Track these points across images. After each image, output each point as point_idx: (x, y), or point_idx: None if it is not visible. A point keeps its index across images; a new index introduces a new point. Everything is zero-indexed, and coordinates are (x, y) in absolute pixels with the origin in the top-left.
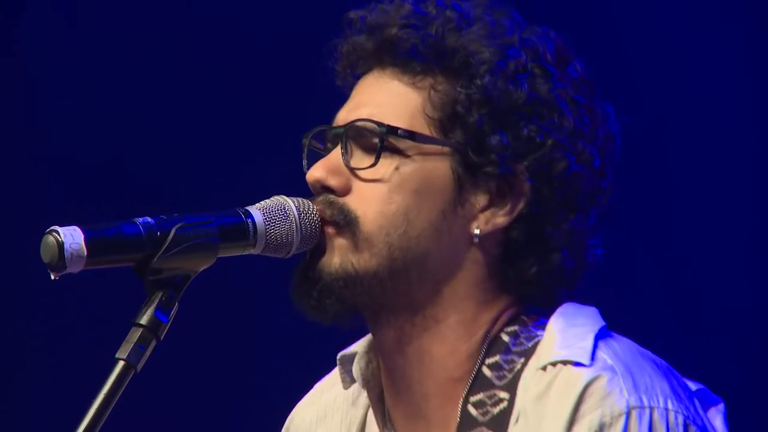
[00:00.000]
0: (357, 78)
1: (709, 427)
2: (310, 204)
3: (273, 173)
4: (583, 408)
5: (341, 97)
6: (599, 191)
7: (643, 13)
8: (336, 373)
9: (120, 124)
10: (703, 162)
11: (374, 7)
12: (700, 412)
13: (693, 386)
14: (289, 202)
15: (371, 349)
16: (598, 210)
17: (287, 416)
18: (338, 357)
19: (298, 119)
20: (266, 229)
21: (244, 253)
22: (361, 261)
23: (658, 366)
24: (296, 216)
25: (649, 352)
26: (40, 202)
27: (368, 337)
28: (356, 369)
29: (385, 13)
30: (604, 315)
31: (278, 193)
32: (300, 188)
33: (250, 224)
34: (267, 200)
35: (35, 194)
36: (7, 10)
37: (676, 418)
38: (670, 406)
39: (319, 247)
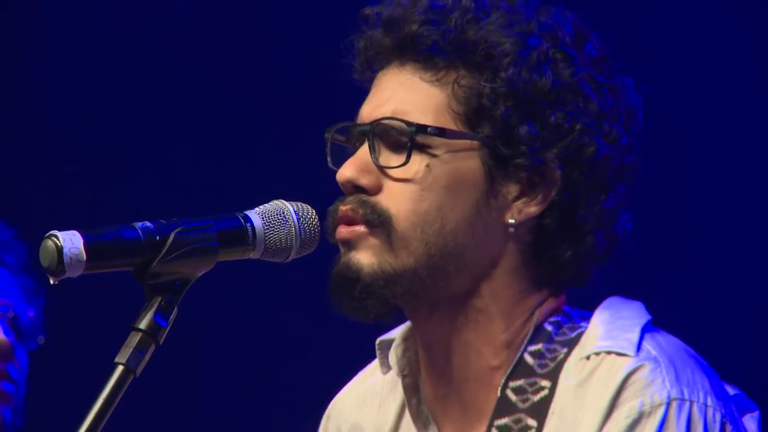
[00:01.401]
0: (375, 72)
1: (743, 429)
2: (310, 209)
3: (272, 177)
4: (624, 395)
5: (349, 100)
6: (627, 167)
7: None
8: (377, 362)
9: (120, 128)
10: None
11: (390, 2)
12: (736, 415)
13: (731, 391)
14: (288, 207)
15: (409, 336)
16: (627, 185)
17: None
18: (377, 342)
19: (298, 124)
20: (265, 233)
21: (243, 258)
22: (399, 260)
23: (700, 364)
24: (295, 221)
25: (693, 350)
26: (39, 205)
27: (407, 324)
28: (392, 356)
29: (401, 8)
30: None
31: (278, 198)
32: (300, 192)
33: (249, 229)
34: (266, 205)
35: (35, 197)
36: (8, 11)
37: (714, 414)
38: (709, 402)
39: (353, 246)
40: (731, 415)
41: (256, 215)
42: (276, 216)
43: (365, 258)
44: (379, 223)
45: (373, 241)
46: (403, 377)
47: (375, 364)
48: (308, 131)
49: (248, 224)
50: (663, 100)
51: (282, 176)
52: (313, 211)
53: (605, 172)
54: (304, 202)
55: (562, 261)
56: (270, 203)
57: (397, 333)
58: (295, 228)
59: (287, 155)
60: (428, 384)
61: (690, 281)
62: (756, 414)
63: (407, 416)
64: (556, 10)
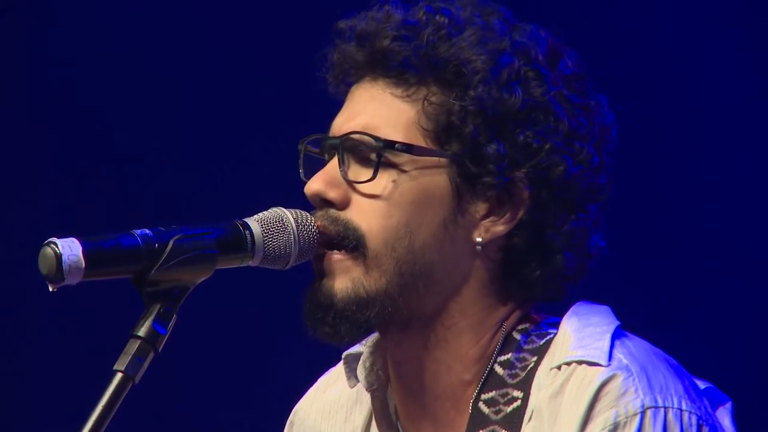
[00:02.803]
0: (349, 85)
1: (719, 427)
2: (308, 216)
3: (271, 184)
4: (598, 406)
5: (338, 105)
6: (599, 188)
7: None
8: (340, 367)
9: (119, 134)
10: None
11: (364, 17)
12: (710, 412)
13: (702, 384)
14: (287, 214)
15: (377, 349)
16: (599, 205)
17: (284, 414)
18: (343, 355)
19: (298, 130)
20: (264, 241)
21: (242, 265)
22: (372, 281)
23: (671, 365)
24: (294, 228)
25: (662, 351)
26: (39, 209)
27: (374, 336)
28: (361, 370)
29: (375, 22)
30: (615, 313)
31: (276, 205)
32: (299, 200)
33: (248, 236)
34: (265, 212)
35: (35, 202)
36: (9, 12)
37: (690, 418)
38: (684, 406)
39: (327, 272)
40: (707, 415)
41: (255, 222)
42: (275, 223)
43: (339, 283)
44: (355, 242)
45: (349, 265)
46: (373, 392)
47: (335, 373)
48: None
49: (247, 231)
50: (640, 103)
51: (281, 183)
52: (313, 219)
53: (575, 192)
54: (303, 210)
55: (531, 280)
56: (269, 210)
57: (364, 346)
58: (294, 235)
59: (287, 162)
60: (398, 398)
61: (671, 282)
62: (728, 405)
63: (374, 428)
64: (531, 29)
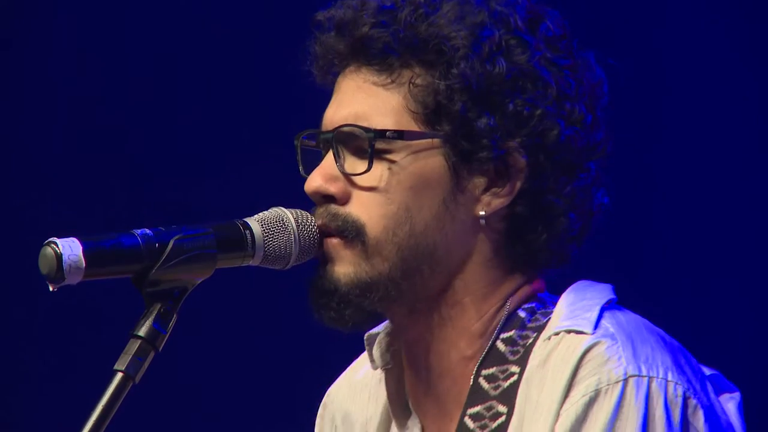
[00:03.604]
0: (335, 75)
1: (713, 405)
2: (309, 215)
3: (271, 184)
4: (581, 373)
5: (330, 96)
6: (596, 145)
7: None
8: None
9: (119, 135)
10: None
11: (341, 6)
12: (709, 390)
13: (707, 371)
14: (288, 214)
15: (392, 330)
16: (598, 162)
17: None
18: (365, 337)
19: (296, 129)
20: (264, 240)
21: (242, 265)
22: (374, 267)
23: (664, 341)
24: (294, 228)
25: (660, 330)
26: (39, 210)
27: None
28: (376, 350)
29: (352, 10)
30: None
31: (276, 205)
32: (300, 199)
33: (249, 236)
34: (265, 212)
35: (35, 202)
36: (13, 12)
37: (675, 389)
38: (669, 377)
39: (330, 258)
40: (697, 389)
41: (255, 222)
42: (275, 223)
43: (342, 268)
44: (355, 233)
45: (348, 251)
46: (387, 371)
47: (364, 357)
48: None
49: (247, 231)
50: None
51: (281, 183)
52: (313, 218)
53: (571, 153)
54: (303, 209)
55: (537, 245)
56: (269, 210)
57: (382, 327)
58: (294, 235)
59: (286, 162)
60: (409, 379)
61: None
62: (736, 395)
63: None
64: None
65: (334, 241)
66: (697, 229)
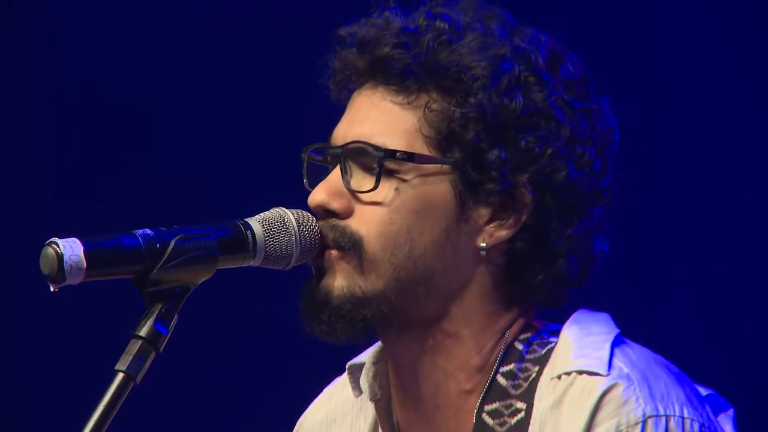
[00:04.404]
0: (350, 92)
1: None
2: (310, 216)
3: (272, 184)
4: (600, 416)
5: (340, 110)
6: (602, 191)
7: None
8: (345, 377)
9: (119, 134)
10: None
11: (364, 23)
12: (713, 418)
13: (703, 391)
14: (289, 214)
15: (379, 360)
16: (601, 208)
17: (284, 418)
18: (347, 366)
19: (299, 130)
20: (266, 241)
21: (243, 265)
22: (368, 283)
23: (672, 372)
24: (296, 228)
25: (662, 358)
26: (40, 210)
27: (376, 346)
28: (364, 381)
29: (375, 29)
30: (615, 318)
31: (278, 205)
32: (300, 200)
33: (250, 236)
34: (266, 212)
35: (35, 202)
36: (13, 12)
37: (692, 426)
38: (686, 414)
39: (325, 270)
40: (709, 422)
41: (256, 223)
42: (276, 223)
43: (336, 281)
44: (351, 246)
45: (344, 264)
46: (377, 402)
47: (340, 383)
48: (311, 138)
49: (248, 231)
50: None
51: (282, 184)
52: (314, 219)
53: (577, 196)
54: (305, 210)
55: (534, 284)
56: (271, 210)
57: (366, 357)
58: (295, 235)
59: (288, 163)
60: (399, 406)
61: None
62: (730, 412)
63: None
64: (532, 32)
65: (332, 253)
66: (698, 229)
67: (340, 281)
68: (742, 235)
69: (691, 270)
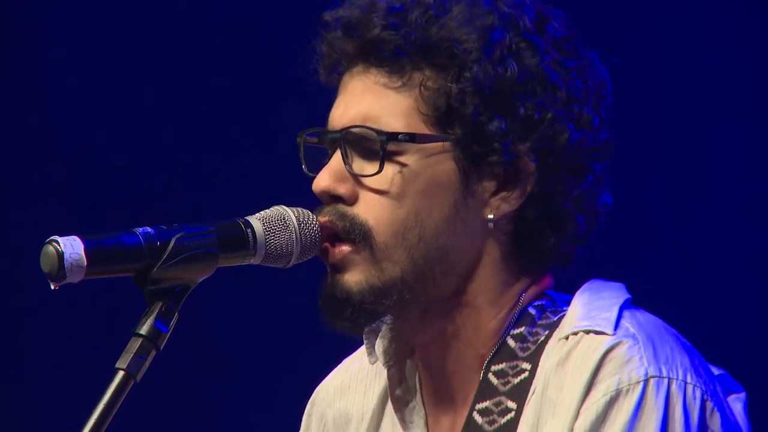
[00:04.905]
0: (340, 74)
1: (726, 408)
2: (310, 214)
3: (273, 183)
4: (602, 373)
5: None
6: (602, 146)
7: None
8: (363, 349)
9: (120, 134)
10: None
11: (348, 6)
12: (719, 391)
13: (715, 371)
14: (289, 212)
15: (395, 325)
16: (603, 162)
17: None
18: (365, 330)
19: (299, 127)
20: (266, 239)
21: (243, 263)
22: (385, 272)
23: (682, 342)
24: (296, 226)
25: (675, 330)
26: (40, 210)
27: None
28: (379, 345)
29: (360, 11)
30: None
31: (278, 203)
32: (301, 198)
33: (250, 234)
34: (267, 210)
35: (36, 202)
36: (12, 12)
37: (694, 391)
38: (689, 379)
39: (339, 267)
40: (713, 392)
41: (256, 220)
42: (277, 221)
43: (352, 277)
44: (362, 237)
45: (357, 258)
46: (389, 367)
47: (359, 353)
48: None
49: (249, 230)
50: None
51: (282, 182)
52: (314, 217)
53: (580, 156)
54: (305, 208)
55: (545, 247)
56: (271, 208)
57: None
58: (296, 233)
59: (288, 161)
60: (423, 377)
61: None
62: (742, 395)
63: (390, 404)
64: None
65: (342, 249)
66: (698, 227)
67: (357, 276)
68: (741, 232)
69: (691, 266)
